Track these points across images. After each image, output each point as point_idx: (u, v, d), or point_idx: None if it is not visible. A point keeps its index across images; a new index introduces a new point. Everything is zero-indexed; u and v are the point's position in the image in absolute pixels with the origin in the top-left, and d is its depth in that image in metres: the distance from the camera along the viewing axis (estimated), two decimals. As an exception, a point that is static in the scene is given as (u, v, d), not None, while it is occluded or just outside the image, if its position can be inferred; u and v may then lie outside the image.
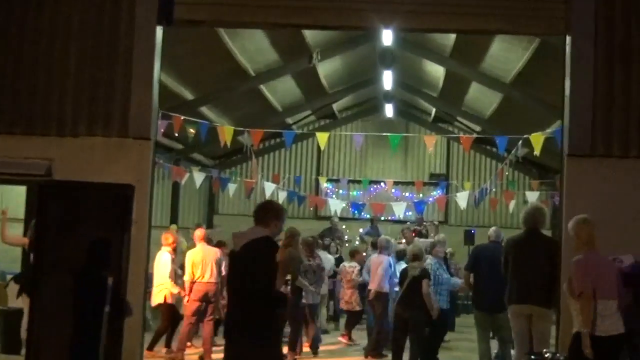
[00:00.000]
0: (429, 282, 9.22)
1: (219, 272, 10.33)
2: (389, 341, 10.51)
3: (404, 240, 16.10)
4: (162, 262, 10.26)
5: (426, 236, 15.45)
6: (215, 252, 10.43)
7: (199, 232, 10.59)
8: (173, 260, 10.40)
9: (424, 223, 17.68)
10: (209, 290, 10.22)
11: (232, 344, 5.24)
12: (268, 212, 5.43)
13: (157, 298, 10.22)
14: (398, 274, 10.92)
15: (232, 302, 5.37)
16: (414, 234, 15.31)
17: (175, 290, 10.14)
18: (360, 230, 19.09)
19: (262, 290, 5.10)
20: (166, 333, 10.37)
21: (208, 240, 10.94)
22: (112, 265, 6.54)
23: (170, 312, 10.28)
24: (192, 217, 20.92)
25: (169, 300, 10.15)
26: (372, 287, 11.11)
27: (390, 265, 11.13)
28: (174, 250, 10.53)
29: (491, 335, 9.30)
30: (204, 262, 10.23)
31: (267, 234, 5.32)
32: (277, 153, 22.82)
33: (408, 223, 18.26)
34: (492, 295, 8.31)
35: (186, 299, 10.30)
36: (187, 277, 10.25)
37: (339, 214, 18.61)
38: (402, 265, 11.12)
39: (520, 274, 7.49)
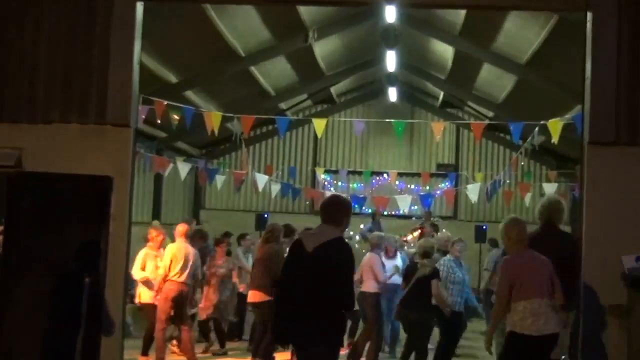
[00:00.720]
0: (438, 282, 9.27)
1: (193, 273, 10.39)
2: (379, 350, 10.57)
3: (409, 237, 16.13)
4: (147, 260, 10.39)
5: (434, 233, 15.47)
6: (193, 252, 10.47)
7: (180, 228, 10.59)
8: (156, 258, 10.44)
9: (433, 219, 17.71)
10: (182, 290, 10.23)
11: (299, 347, 5.53)
12: (339, 209, 5.68)
13: (140, 298, 10.34)
14: (388, 271, 11.04)
15: (297, 305, 5.47)
16: (420, 232, 15.31)
17: (156, 289, 10.20)
18: (362, 226, 19.13)
19: (342, 294, 5.41)
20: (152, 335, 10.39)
21: (191, 238, 10.98)
22: (89, 265, 6.55)
23: (154, 314, 10.31)
24: (176, 212, 20.94)
25: (152, 301, 10.20)
26: (362, 288, 11.02)
27: (383, 265, 11.14)
28: (160, 246, 10.61)
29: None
30: (182, 259, 10.26)
31: (340, 234, 5.59)
32: (270, 142, 22.85)
33: (413, 219, 18.33)
34: None
35: (154, 294, 10.27)
36: (161, 272, 10.24)
37: None
38: (394, 262, 11.29)
39: (535, 273, 7.50)
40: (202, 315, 11.64)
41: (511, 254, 6.63)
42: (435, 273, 9.35)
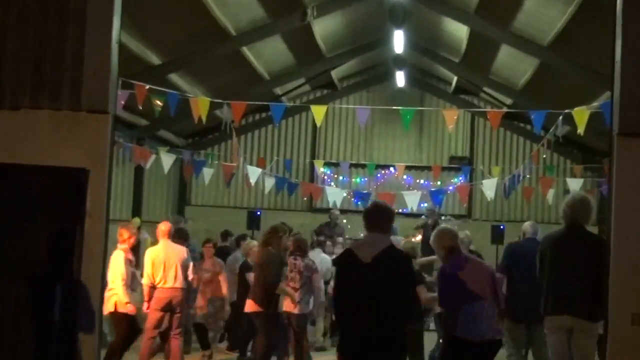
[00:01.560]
0: (423, 288, 9.31)
1: (185, 275, 10.39)
2: None
3: (418, 237, 16.16)
4: (114, 263, 10.27)
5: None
6: (181, 252, 10.48)
7: (163, 227, 10.61)
8: (130, 261, 10.38)
9: (444, 218, 17.73)
10: (173, 297, 10.27)
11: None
12: (385, 215, 6.16)
13: (107, 305, 10.26)
14: None
15: (358, 317, 5.89)
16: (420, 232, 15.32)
17: (125, 299, 9.93)
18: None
19: (404, 305, 5.92)
20: (120, 348, 10.40)
21: (175, 237, 11.05)
22: (61, 267, 6.54)
23: (124, 324, 10.30)
24: (158, 208, 20.97)
25: (120, 309, 10.02)
26: None
27: None
28: (132, 248, 10.56)
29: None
30: (166, 263, 10.29)
31: (391, 242, 6.11)
32: (263, 131, 22.88)
33: (423, 217, 18.38)
34: (530, 302, 8.38)
35: (145, 305, 10.38)
36: (145, 281, 10.32)
37: (338, 206, 18.66)
38: None
39: (558, 279, 7.54)
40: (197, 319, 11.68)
41: (446, 262, 7.36)
42: (418, 278, 9.33)
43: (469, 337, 6.96)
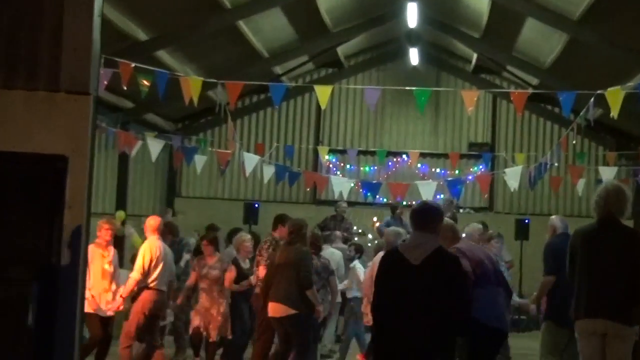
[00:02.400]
0: None
1: (167, 280, 10.52)
2: None
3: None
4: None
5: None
6: (169, 253, 10.62)
7: (152, 222, 10.63)
8: (109, 262, 10.45)
9: (462, 210, 17.75)
10: (162, 301, 10.41)
11: None
12: (433, 215, 6.43)
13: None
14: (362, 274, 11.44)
15: (404, 323, 6.12)
16: None
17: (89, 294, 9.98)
18: (376, 222, 19.12)
19: (459, 308, 6.14)
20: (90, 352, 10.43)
21: (164, 233, 11.04)
22: (38, 265, 6.54)
23: (96, 326, 10.32)
24: (145, 200, 21.03)
25: (91, 309, 10.06)
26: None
27: None
28: (108, 243, 10.58)
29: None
30: (164, 262, 10.41)
31: (439, 244, 6.36)
32: (262, 114, 22.89)
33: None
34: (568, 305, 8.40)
35: (119, 300, 10.41)
36: (136, 275, 10.30)
37: (345, 197, 18.68)
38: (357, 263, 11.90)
39: (590, 278, 7.52)
40: (195, 323, 11.60)
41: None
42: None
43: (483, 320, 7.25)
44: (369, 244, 17.74)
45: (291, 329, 9.82)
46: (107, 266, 10.36)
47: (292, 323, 9.74)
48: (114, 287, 10.56)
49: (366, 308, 12.53)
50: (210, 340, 11.27)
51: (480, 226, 11.68)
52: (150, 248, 10.40)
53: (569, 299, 8.85)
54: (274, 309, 9.90)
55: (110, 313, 10.49)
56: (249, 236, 12.28)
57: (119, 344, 10.44)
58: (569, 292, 8.81)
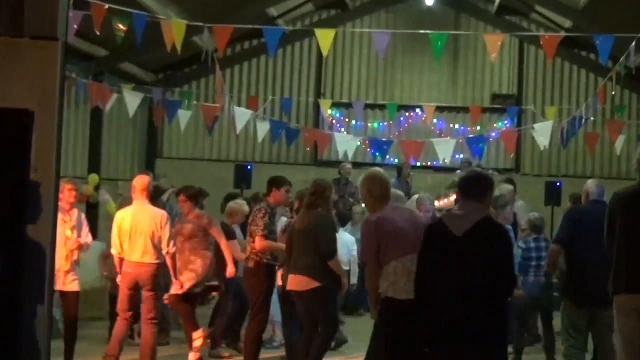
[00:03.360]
0: None
1: (159, 247, 10.40)
2: None
3: (443, 202, 16.18)
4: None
5: None
6: (155, 217, 10.48)
7: (139, 182, 10.57)
8: (71, 228, 10.35)
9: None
10: (140, 274, 10.34)
11: (455, 351, 6.51)
12: (482, 184, 6.76)
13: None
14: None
15: (450, 300, 6.44)
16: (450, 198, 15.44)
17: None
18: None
19: (504, 283, 6.50)
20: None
21: (154, 197, 11.04)
22: (1, 235, 6.52)
23: (65, 302, 10.43)
24: (122, 162, 21.06)
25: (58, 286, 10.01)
26: None
27: None
28: (72, 207, 10.48)
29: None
30: (133, 231, 10.33)
31: (488, 214, 6.69)
32: (255, 63, 22.83)
33: (458, 172, 18.34)
34: (596, 281, 8.49)
35: (118, 278, 10.57)
36: (113, 251, 10.47)
37: (350, 158, 18.71)
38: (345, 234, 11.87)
39: (631, 248, 7.53)
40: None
41: (373, 212, 7.96)
42: None
43: (404, 296, 7.37)
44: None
45: (315, 304, 9.78)
46: (68, 232, 10.27)
47: (316, 298, 9.69)
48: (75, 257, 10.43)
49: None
50: (180, 290, 11.06)
51: (512, 187, 11.77)
52: (116, 220, 10.46)
53: (587, 275, 8.94)
54: (295, 282, 9.81)
55: (73, 288, 10.38)
56: (245, 205, 12.30)
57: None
58: (586, 267, 9.05)
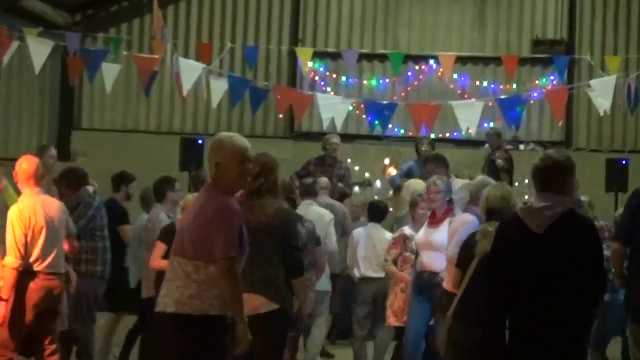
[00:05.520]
0: None
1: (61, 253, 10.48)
2: None
3: (479, 178, 15.99)
4: None
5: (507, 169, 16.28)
6: (58, 211, 10.53)
7: (24, 165, 10.56)
8: None
9: (523, 147, 17.62)
10: (54, 289, 10.37)
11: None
12: (563, 170, 7.19)
13: None
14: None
15: (526, 307, 7.06)
16: None
17: None
18: (389, 166, 18.91)
19: (594, 285, 7.07)
20: None
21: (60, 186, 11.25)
22: None
23: None
24: (25, 136, 21.12)
25: None
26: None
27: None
28: None
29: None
30: (46, 230, 10.27)
31: (569, 205, 7.16)
32: (207, -2, 22.67)
33: (486, 147, 18.21)
34: None
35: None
36: (10, 261, 10.19)
37: (339, 129, 18.68)
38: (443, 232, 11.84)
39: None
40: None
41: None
42: None
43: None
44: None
45: (261, 333, 9.53)
46: None
47: (266, 324, 9.38)
48: None
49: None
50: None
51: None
52: (16, 216, 10.26)
53: None
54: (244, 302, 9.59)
55: None
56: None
57: None
58: None
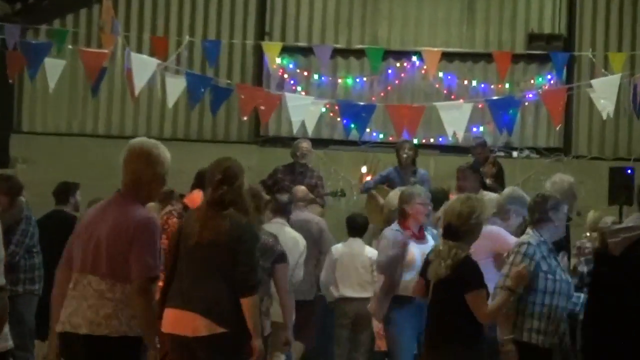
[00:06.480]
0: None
1: None
2: None
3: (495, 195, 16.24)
4: None
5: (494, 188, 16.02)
6: None
7: None
8: None
9: (517, 154, 17.77)
10: None
11: None
12: None
13: None
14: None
15: (609, 337, 7.35)
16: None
17: None
18: (366, 175, 19.17)
19: None
20: None
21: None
22: None
23: None
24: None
25: None
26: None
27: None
28: None
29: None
30: None
31: None
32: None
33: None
34: None
35: None
36: None
37: (310, 133, 18.89)
38: (425, 246, 12.01)
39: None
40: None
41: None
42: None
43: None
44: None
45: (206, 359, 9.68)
46: None
47: (212, 350, 9.54)
48: None
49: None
50: None
51: (570, 179, 11.79)
52: None
53: None
54: (180, 322, 9.62)
55: None
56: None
57: None
58: None
